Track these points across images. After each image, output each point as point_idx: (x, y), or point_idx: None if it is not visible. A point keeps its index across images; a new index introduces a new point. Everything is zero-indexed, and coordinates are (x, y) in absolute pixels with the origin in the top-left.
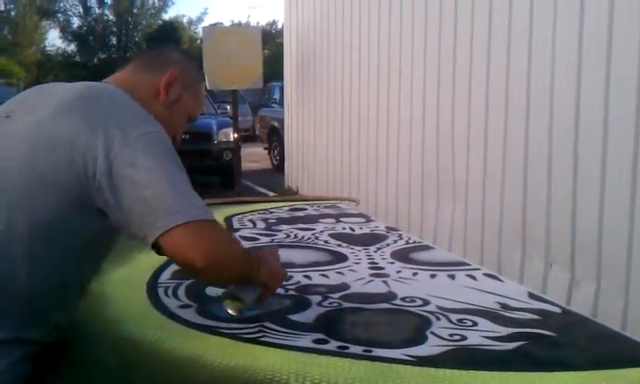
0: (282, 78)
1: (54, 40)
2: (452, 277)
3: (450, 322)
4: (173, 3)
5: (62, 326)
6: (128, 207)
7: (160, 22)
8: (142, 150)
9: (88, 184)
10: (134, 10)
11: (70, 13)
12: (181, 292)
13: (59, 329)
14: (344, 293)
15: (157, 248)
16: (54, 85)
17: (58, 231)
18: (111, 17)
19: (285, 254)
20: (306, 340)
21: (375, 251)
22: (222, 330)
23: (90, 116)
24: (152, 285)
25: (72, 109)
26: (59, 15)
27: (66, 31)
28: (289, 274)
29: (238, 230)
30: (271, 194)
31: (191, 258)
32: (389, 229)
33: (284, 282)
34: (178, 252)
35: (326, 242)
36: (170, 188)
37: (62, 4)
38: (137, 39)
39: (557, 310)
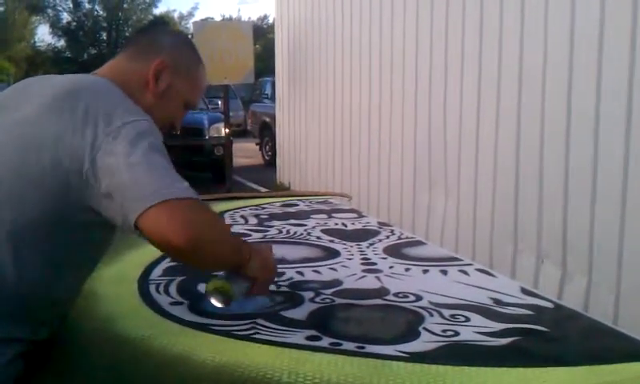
0: (274, 73)
1: (43, 35)
2: (444, 272)
3: (443, 317)
4: None
5: (54, 323)
6: (110, 196)
7: (150, 17)
8: (122, 138)
9: (76, 182)
10: (124, 5)
11: (59, 8)
12: (172, 289)
13: (51, 327)
14: (336, 289)
15: (138, 233)
16: (39, 79)
17: (46, 229)
18: (101, 12)
19: (277, 250)
20: (299, 337)
21: (368, 247)
22: (214, 327)
23: (75, 113)
24: (143, 282)
25: (57, 106)
26: (49, 10)
27: (55, 27)
28: (281, 269)
29: (230, 225)
30: (263, 189)
31: (167, 237)
32: (381, 224)
33: (276, 279)
34: (153, 232)
35: (318, 237)
36: (147, 171)
37: None
38: (127, 34)
39: (549, 305)
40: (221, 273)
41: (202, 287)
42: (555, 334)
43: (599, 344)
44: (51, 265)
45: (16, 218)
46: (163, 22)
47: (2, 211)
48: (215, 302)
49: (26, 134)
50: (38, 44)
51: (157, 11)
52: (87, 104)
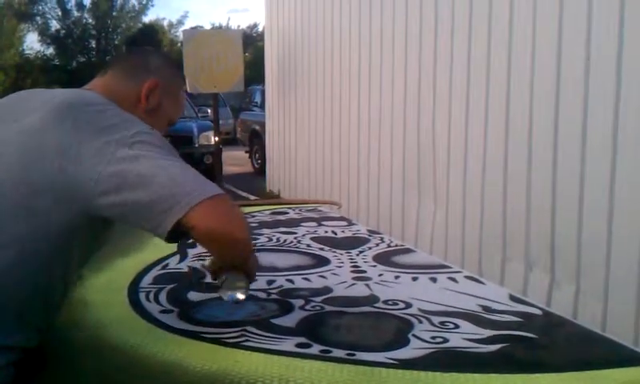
0: (264, 82)
1: (32, 43)
2: (433, 280)
3: (432, 324)
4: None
5: (45, 330)
6: (138, 201)
7: (140, 25)
8: (140, 144)
9: (83, 191)
10: (114, 13)
11: (48, 16)
12: (162, 297)
13: (42, 333)
14: (326, 296)
15: (175, 233)
16: (34, 92)
17: (49, 237)
18: (90, 20)
19: (267, 258)
20: (289, 344)
21: (357, 255)
22: (204, 335)
23: (81, 124)
24: (133, 290)
25: (62, 117)
26: (37, 18)
27: (44, 34)
28: (271, 277)
29: None
30: (253, 197)
31: (229, 229)
32: (371, 232)
33: (266, 286)
34: (209, 225)
35: (308, 245)
36: (178, 171)
37: (40, 7)
38: (116, 42)
39: (537, 312)
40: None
41: (191, 296)
42: (543, 341)
43: (586, 350)
44: (50, 271)
45: (20, 227)
46: (153, 30)
47: (6, 221)
48: (241, 296)
49: (29, 144)
50: (26, 52)
51: (146, 19)
52: (90, 117)
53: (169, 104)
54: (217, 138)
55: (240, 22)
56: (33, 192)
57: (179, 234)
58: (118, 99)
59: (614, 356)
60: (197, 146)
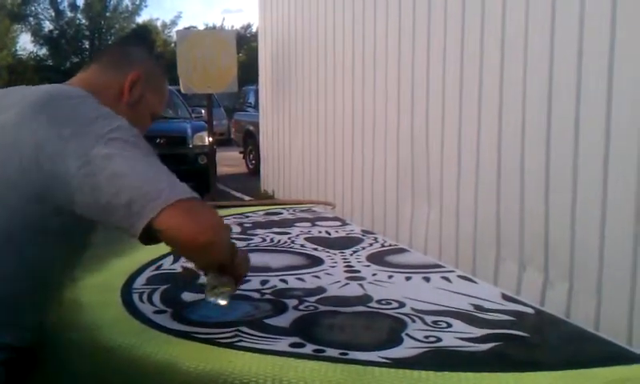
0: (258, 82)
1: (25, 44)
2: (427, 279)
3: (425, 323)
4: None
5: (36, 329)
6: (110, 200)
7: (133, 25)
8: (115, 142)
9: (59, 187)
10: (107, 14)
11: (41, 17)
12: (156, 297)
13: (33, 332)
14: (320, 296)
15: (146, 235)
16: (14, 89)
17: (27, 233)
18: (83, 21)
19: (261, 258)
20: (283, 344)
21: (351, 254)
22: (198, 335)
23: (57, 118)
24: (126, 290)
25: (38, 111)
26: (31, 19)
27: (37, 35)
28: (265, 277)
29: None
30: (247, 198)
31: (192, 234)
32: (364, 232)
33: (260, 286)
34: (175, 229)
35: (301, 245)
36: (152, 172)
37: (33, 8)
38: (110, 43)
39: (530, 310)
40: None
41: (185, 296)
42: (535, 339)
43: (578, 348)
44: (34, 269)
45: (1, 224)
46: (147, 30)
47: None
48: (222, 301)
49: (5, 140)
50: (19, 52)
51: (139, 20)
52: (69, 110)
53: (152, 97)
54: (211, 139)
55: (234, 23)
56: (9, 188)
57: (155, 237)
58: (101, 92)
59: (606, 354)
60: (191, 146)
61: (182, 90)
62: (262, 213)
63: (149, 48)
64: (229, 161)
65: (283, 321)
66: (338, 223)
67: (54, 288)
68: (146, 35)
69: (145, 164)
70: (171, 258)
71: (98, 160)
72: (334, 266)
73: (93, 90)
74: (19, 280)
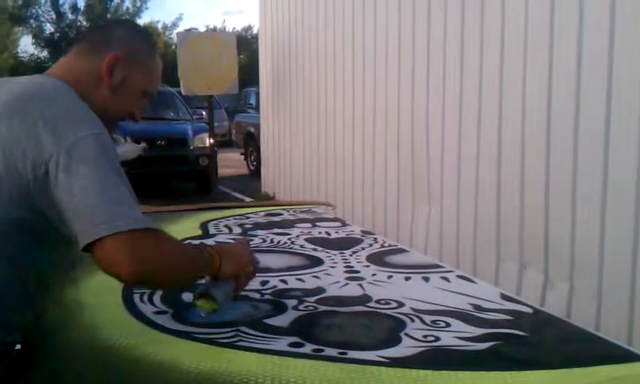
0: (258, 84)
1: (26, 46)
2: (426, 279)
3: (424, 323)
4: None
5: (26, 328)
6: (63, 211)
7: None
8: (78, 155)
9: (33, 188)
10: (108, 16)
11: (42, 19)
12: (156, 298)
13: (22, 331)
14: (320, 296)
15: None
16: None
17: (9, 233)
18: (84, 23)
19: (261, 259)
20: (282, 343)
21: (351, 255)
22: (198, 335)
23: (27, 120)
24: (127, 291)
25: (9, 113)
26: (32, 21)
27: (38, 37)
28: (265, 278)
29: (214, 235)
30: (248, 199)
31: (116, 270)
32: (364, 233)
33: (260, 287)
34: (102, 261)
35: (302, 246)
36: (99, 197)
37: (34, 10)
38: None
39: (528, 310)
40: (202, 280)
41: (185, 296)
42: (533, 339)
43: (576, 347)
44: (20, 268)
45: None
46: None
47: None
48: (201, 312)
49: None
50: (20, 55)
51: (140, 22)
52: (39, 111)
53: (138, 75)
54: (212, 141)
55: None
56: None
57: None
58: (80, 79)
59: (604, 353)
60: (192, 148)
61: (183, 92)
62: (262, 214)
63: (131, 27)
64: (230, 162)
65: (283, 321)
66: (338, 224)
67: (40, 289)
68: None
69: (97, 186)
70: None
71: (57, 170)
72: (333, 267)
73: (72, 78)
74: (10, 281)
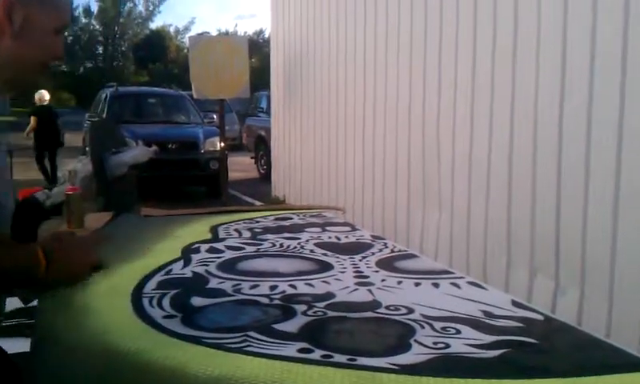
0: (269, 87)
1: None
2: (436, 285)
3: (434, 330)
4: (160, 12)
5: None
6: None
7: (147, 31)
8: None
9: None
10: (121, 20)
11: None
12: (165, 302)
13: None
14: (329, 302)
15: None
16: None
17: None
18: (98, 26)
19: (270, 264)
20: (291, 349)
21: (360, 260)
22: (206, 340)
23: None
24: (136, 295)
25: None
26: None
27: None
28: (274, 283)
29: (223, 239)
30: (258, 203)
31: None
32: (374, 237)
33: (269, 292)
34: None
35: (311, 250)
36: None
37: None
38: (123, 48)
39: (540, 317)
40: None
41: (195, 301)
42: (544, 346)
43: (588, 356)
44: None
45: None
46: (160, 36)
47: None
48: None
49: None
50: None
51: (153, 25)
52: None
53: (40, 12)
54: (222, 144)
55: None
56: None
57: None
58: None
59: (616, 361)
60: (202, 151)
61: (195, 96)
62: (272, 218)
63: None
64: (240, 166)
65: (292, 326)
66: (348, 228)
67: None
68: (159, 41)
69: None
70: (181, 263)
71: None
72: (343, 272)
73: None
74: None
